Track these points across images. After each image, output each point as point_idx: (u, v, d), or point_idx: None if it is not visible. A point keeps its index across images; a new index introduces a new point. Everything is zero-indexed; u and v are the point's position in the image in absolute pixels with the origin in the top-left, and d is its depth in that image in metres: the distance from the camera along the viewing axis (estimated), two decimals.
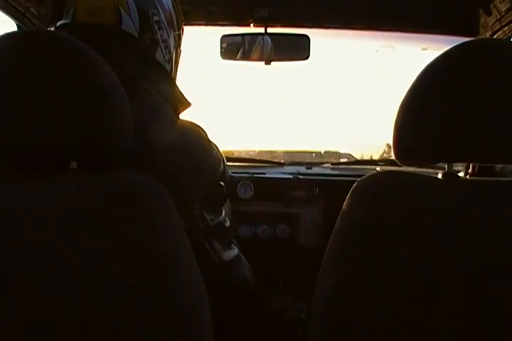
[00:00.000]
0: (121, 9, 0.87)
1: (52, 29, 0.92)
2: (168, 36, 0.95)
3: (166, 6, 0.94)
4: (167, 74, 0.94)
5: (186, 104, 0.95)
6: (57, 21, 0.89)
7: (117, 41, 0.86)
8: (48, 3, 1.43)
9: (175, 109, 0.91)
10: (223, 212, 0.92)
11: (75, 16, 0.88)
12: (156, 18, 0.91)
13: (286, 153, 2.30)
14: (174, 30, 0.97)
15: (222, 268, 0.90)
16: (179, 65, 1.04)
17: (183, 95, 0.95)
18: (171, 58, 0.98)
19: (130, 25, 0.87)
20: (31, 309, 0.61)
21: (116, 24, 0.87)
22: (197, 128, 0.89)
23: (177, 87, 0.94)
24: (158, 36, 0.92)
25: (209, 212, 0.86)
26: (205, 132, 0.90)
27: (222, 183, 0.91)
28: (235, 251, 0.95)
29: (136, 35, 0.88)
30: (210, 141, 0.90)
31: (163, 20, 0.93)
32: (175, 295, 0.64)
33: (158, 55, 0.93)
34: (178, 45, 1.00)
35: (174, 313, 0.64)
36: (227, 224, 0.93)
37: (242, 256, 0.99)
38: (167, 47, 0.95)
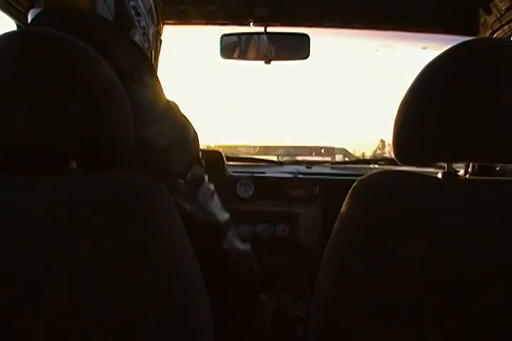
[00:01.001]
0: None
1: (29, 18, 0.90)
2: (147, 25, 0.93)
3: None
4: (151, 65, 0.92)
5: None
6: (28, 10, 0.88)
7: (103, 28, 0.84)
8: None
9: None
10: (206, 178, 0.91)
11: (47, 2, 0.86)
12: (132, 3, 0.89)
13: (285, 148, 2.27)
14: (153, 24, 0.96)
15: (222, 226, 0.90)
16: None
17: (163, 93, 0.92)
18: (150, 48, 0.96)
19: (105, 10, 0.85)
20: (32, 307, 0.61)
21: (90, 10, 0.85)
22: (176, 109, 0.88)
23: (159, 82, 0.92)
24: (135, 21, 0.90)
25: (192, 183, 0.85)
26: (178, 108, 0.89)
27: (200, 155, 0.91)
28: (227, 214, 0.94)
29: (111, 18, 0.86)
30: (186, 118, 0.89)
31: (141, 7, 0.91)
32: (174, 292, 0.65)
33: (136, 38, 0.91)
34: (157, 40, 0.99)
35: (173, 309, 0.64)
36: (212, 187, 0.92)
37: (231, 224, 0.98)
38: (145, 34, 0.93)
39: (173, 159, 0.82)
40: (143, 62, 0.89)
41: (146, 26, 0.93)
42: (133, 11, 0.90)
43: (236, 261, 0.95)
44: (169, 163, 0.82)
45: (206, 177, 0.92)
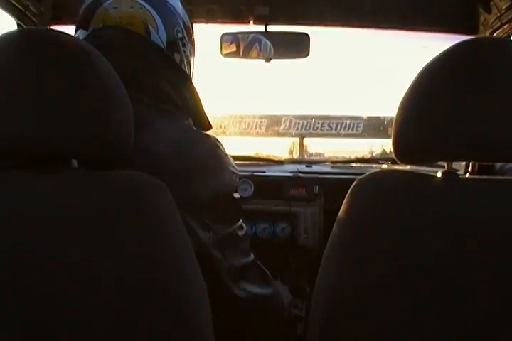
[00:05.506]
0: (150, 26, 0.87)
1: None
2: (190, 51, 0.96)
3: (185, 19, 0.94)
4: (192, 86, 0.93)
5: (207, 126, 0.95)
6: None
7: (152, 49, 0.86)
8: (49, 1, 1.43)
9: (195, 120, 0.90)
10: (238, 222, 0.90)
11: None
12: (180, 35, 0.92)
13: (296, 117, 1.88)
14: (190, 41, 0.97)
15: (234, 273, 0.87)
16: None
17: (206, 117, 0.94)
18: (191, 73, 0.99)
19: (158, 41, 0.88)
20: (31, 306, 0.61)
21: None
22: (216, 144, 0.88)
23: (201, 104, 0.93)
24: (182, 53, 0.93)
25: (220, 223, 0.84)
26: (222, 145, 0.89)
27: (237, 196, 0.90)
28: (248, 258, 0.93)
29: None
30: (228, 157, 0.89)
31: (185, 35, 0.94)
32: (174, 292, 0.65)
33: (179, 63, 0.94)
34: (193, 54, 1.00)
35: (173, 309, 0.64)
36: (242, 232, 0.90)
37: (260, 264, 0.96)
38: (189, 62, 0.96)
39: (195, 184, 0.81)
40: (188, 90, 0.90)
41: (189, 55, 0.95)
42: (180, 43, 0.92)
43: (250, 307, 0.91)
44: (190, 186, 0.80)
45: (240, 221, 0.90)
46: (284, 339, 1.08)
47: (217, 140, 0.89)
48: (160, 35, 0.88)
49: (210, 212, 0.82)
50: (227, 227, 0.86)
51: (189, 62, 0.96)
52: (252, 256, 0.94)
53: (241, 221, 0.91)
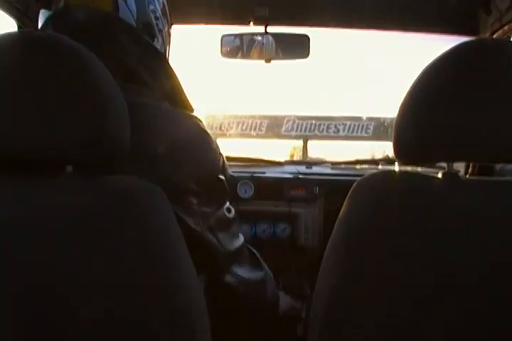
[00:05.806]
0: None
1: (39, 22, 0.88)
2: (163, 27, 0.92)
3: None
4: (169, 67, 0.90)
5: (189, 109, 0.91)
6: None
7: (119, 28, 0.83)
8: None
9: (174, 103, 0.87)
10: (225, 204, 0.89)
11: (66, 1, 0.84)
12: (151, 6, 0.89)
13: (299, 118, 1.84)
14: (168, 24, 0.95)
15: (228, 257, 0.88)
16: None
17: (187, 99, 0.90)
18: (165, 51, 0.95)
19: (127, 12, 0.84)
20: (30, 309, 0.61)
21: (112, 11, 0.84)
22: (196, 122, 0.86)
23: (180, 85, 0.89)
24: (155, 26, 0.90)
25: (208, 206, 0.84)
26: (203, 124, 0.87)
27: (221, 177, 0.89)
28: (239, 241, 0.93)
29: (133, 23, 0.85)
30: (209, 135, 0.87)
31: (158, 9, 0.90)
32: (171, 295, 0.65)
33: (156, 44, 0.90)
34: (168, 41, 0.98)
35: (170, 311, 0.64)
36: (231, 215, 0.90)
37: (249, 246, 0.97)
38: (162, 37, 0.93)
39: (178, 169, 0.79)
40: (162, 69, 0.87)
41: (162, 29, 0.92)
42: (152, 15, 0.89)
43: (244, 294, 0.91)
44: (173, 173, 0.79)
45: (227, 204, 0.90)
46: (279, 325, 1.08)
47: (197, 118, 0.87)
48: (129, 6, 0.85)
49: (194, 195, 0.81)
50: (215, 209, 0.85)
51: (163, 38, 0.93)
52: (242, 237, 0.94)
53: (228, 203, 0.91)
